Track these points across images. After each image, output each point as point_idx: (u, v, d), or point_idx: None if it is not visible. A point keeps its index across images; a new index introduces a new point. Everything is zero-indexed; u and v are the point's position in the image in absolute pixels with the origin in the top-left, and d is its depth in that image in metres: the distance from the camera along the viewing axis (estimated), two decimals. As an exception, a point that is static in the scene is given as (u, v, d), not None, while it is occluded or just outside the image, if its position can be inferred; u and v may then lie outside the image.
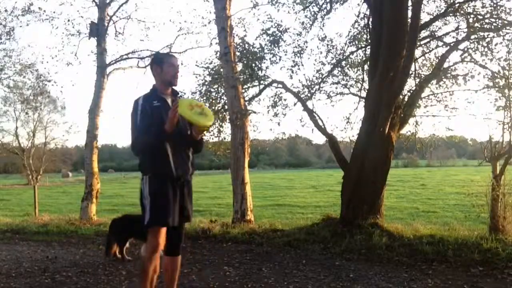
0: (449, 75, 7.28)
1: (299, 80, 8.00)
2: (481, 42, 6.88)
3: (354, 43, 8.18)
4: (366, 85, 7.50)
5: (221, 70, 7.97)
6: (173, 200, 2.93)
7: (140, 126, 2.89)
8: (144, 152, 2.96)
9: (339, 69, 8.23)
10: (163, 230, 2.96)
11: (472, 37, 6.91)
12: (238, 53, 7.92)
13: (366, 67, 7.55)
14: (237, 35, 8.15)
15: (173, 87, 3.08)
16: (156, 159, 2.91)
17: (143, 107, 2.91)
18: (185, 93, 8.13)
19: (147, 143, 2.89)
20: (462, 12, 7.05)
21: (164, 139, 2.86)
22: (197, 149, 3.15)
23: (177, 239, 3.09)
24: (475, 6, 6.95)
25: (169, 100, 3.01)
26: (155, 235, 2.93)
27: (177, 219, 2.96)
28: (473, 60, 7.02)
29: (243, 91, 7.96)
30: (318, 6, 8.20)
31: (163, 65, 2.99)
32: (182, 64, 9.96)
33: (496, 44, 6.79)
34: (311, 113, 7.28)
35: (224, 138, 8.64)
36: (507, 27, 6.63)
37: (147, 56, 10.03)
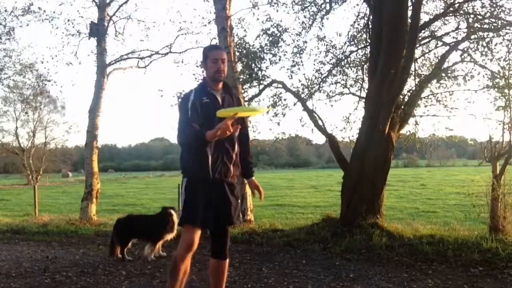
0: (449, 75, 7.28)
1: (299, 80, 7.99)
2: (481, 42, 6.88)
3: (353, 43, 8.17)
4: (365, 85, 7.50)
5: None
6: (206, 203, 2.84)
7: (190, 119, 2.79)
8: (185, 145, 2.86)
9: (339, 69, 8.21)
10: (197, 231, 2.87)
11: (472, 37, 6.91)
12: (238, 53, 7.92)
13: (365, 67, 7.54)
14: (237, 35, 8.16)
15: (226, 82, 2.97)
16: (194, 161, 2.84)
17: (192, 103, 2.81)
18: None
19: (192, 144, 2.80)
20: (462, 12, 7.05)
21: (203, 143, 2.73)
22: (245, 147, 3.02)
23: (222, 242, 2.99)
24: (475, 6, 6.95)
25: (219, 97, 2.89)
26: (187, 233, 2.88)
27: (209, 222, 2.87)
28: (473, 60, 7.02)
29: (243, 91, 7.96)
30: (317, 6, 8.19)
31: (206, 60, 2.88)
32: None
33: (496, 44, 6.80)
34: (311, 113, 7.27)
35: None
36: (507, 27, 6.63)
37: (147, 56, 10.06)
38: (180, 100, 2.87)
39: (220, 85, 2.92)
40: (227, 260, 3.04)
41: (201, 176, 2.84)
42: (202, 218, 2.83)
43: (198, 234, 2.87)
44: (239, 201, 3.07)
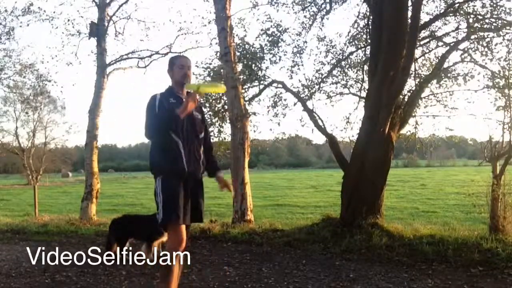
0: (449, 75, 7.28)
1: (299, 80, 8.01)
2: (481, 42, 6.88)
3: (353, 43, 8.17)
4: (366, 85, 7.50)
5: (221, 70, 7.97)
6: (185, 198, 3.01)
7: (158, 114, 3.01)
8: (156, 134, 3.03)
9: (339, 69, 8.22)
10: (183, 227, 3.01)
11: (472, 37, 6.91)
12: (238, 53, 7.92)
13: (366, 67, 7.54)
14: (237, 35, 8.16)
15: (188, 91, 3.19)
16: (169, 155, 3.00)
17: (160, 101, 3.05)
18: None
19: (160, 123, 2.99)
20: (462, 12, 7.04)
21: (175, 121, 2.95)
22: (208, 148, 3.27)
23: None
24: (475, 6, 6.95)
25: (184, 100, 3.13)
26: (175, 232, 3.00)
27: (189, 217, 3.03)
28: (473, 60, 7.02)
29: (243, 91, 7.96)
30: (317, 6, 8.20)
31: (173, 67, 3.18)
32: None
33: (496, 44, 6.80)
34: (311, 113, 7.27)
35: (224, 138, 8.64)
36: (507, 27, 6.63)
37: (147, 56, 10.04)
38: (147, 103, 3.10)
39: (185, 91, 3.18)
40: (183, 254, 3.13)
41: (177, 171, 2.99)
42: (185, 214, 3.00)
43: (184, 230, 3.02)
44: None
